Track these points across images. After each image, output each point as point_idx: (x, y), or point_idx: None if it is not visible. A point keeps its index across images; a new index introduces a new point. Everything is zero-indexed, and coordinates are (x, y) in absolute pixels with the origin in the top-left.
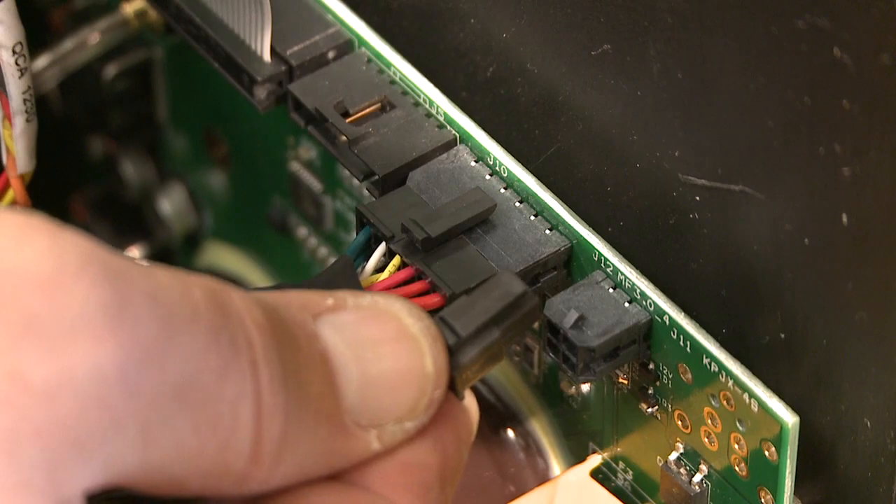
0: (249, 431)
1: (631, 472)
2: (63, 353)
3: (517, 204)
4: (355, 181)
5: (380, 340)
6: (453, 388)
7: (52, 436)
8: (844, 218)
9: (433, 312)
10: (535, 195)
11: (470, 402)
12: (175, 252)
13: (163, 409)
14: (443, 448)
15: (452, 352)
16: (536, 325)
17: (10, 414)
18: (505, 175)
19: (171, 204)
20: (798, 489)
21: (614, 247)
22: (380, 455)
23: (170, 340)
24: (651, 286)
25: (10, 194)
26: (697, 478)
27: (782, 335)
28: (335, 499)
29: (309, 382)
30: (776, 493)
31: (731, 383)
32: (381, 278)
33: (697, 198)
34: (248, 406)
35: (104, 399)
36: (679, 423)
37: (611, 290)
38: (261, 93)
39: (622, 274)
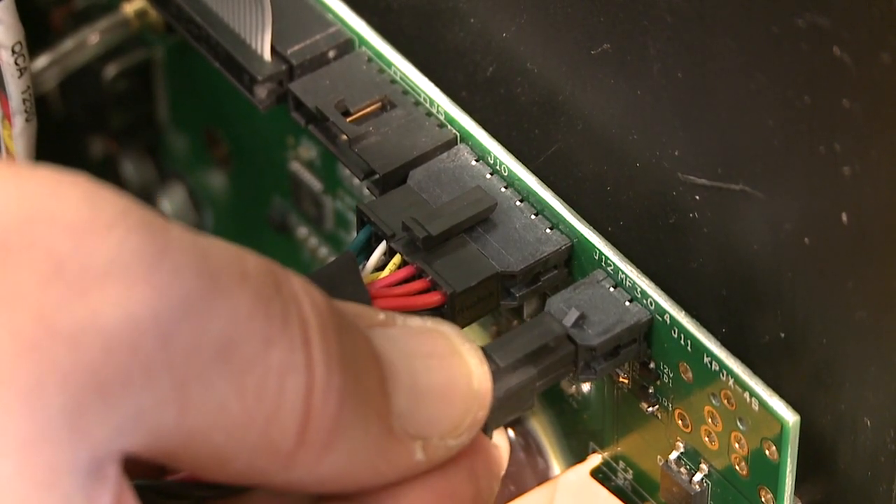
0: (298, 407)
1: (631, 472)
2: (92, 297)
3: (518, 203)
4: (356, 181)
5: (430, 354)
6: (484, 424)
7: (77, 382)
8: (844, 217)
9: (434, 311)
10: (535, 194)
11: (500, 439)
12: None
13: (201, 367)
14: (476, 480)
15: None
16: None
17: (35, 359)
18: (505, 174)
19: (171, 204)
20: (798, 488)
21: (614, 246)
22: (415, 483)
23: (211, 296)
24: (652, 285)
25: None
26: (698, 477)
27: (782, 334)
28: None
29: (364, 375)
30: (776, 492)
31: (731, 382)
32: (381, 276)
33: (697, 197)
34: (298, 380)
35: (134, 346)
36: (679, 422)
37: (611, 289)
38: (261, 92)
39: (623, 273)
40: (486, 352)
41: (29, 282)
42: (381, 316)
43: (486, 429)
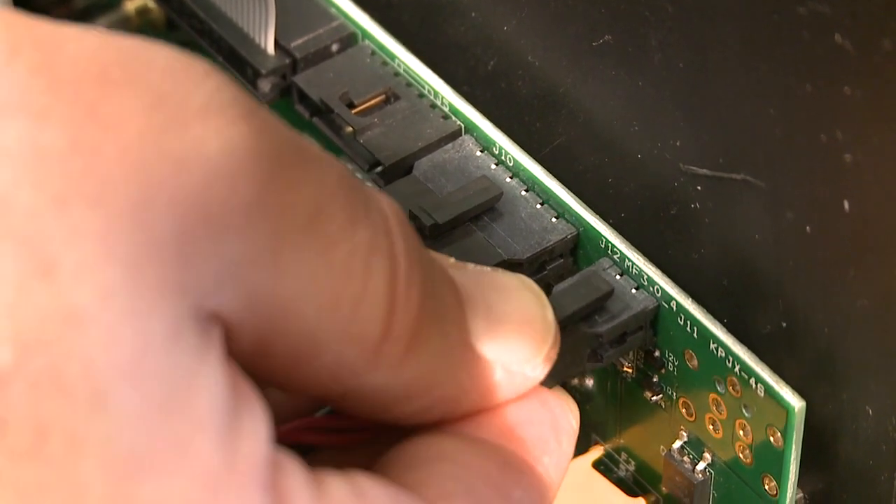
0: (383, 291)
1: (633, 463)
2: (193, 126)
3: (523, 192)
4: (359, 174)
5: (504, 287)
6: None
7: (184, 206)
8: (846, 205)
9: None
10: (541, 183)
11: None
12: None
13: (294, 230)
14: (551, 409)
15: None
16: None
17: (144, 175)
18: (511, 164)
19: None
20: (800, 478)
21: None
22: (490, 412)
23: (302, 160)
24: (658, 272)
25: None
26: (701, 466)
27: (784, 324)
28: (457, 445)
29: (441, 287)
30: (780, 479)
31: (737, 368)
32: None
33: (699, 187)
34: (383, 263)
35: (234, 181)
36: (683, 411)
37: (617, 277)
38: (265, 86)
39: (629, 260)
40: None
41: (132, 109)
42: (452, 260)
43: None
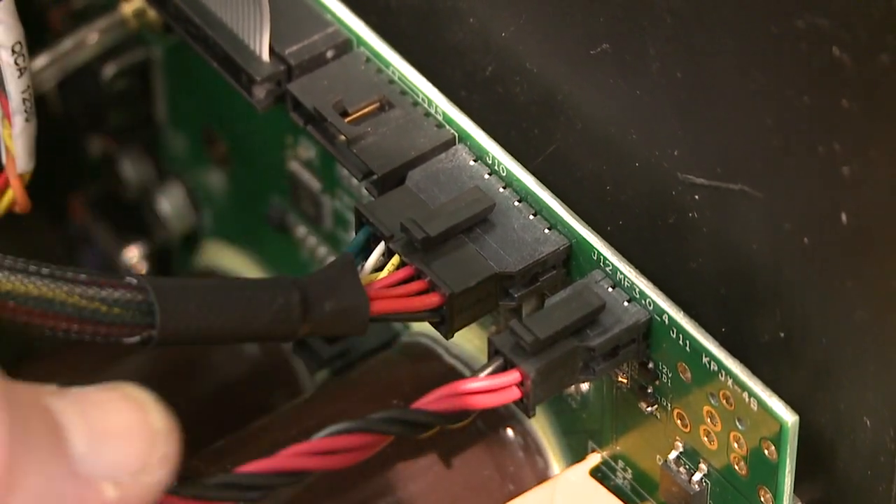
0: None
1: (630, 471)
2: None
3: (516, 203)
4: (354, 180)
5: (104, 401)
6: (526, 399)
7: None
8: (844, 217)
9: (432, 312)
10: (533, 194)
11: None
12: (174, 251)
13: None
14: None
15: (530, 354)
16: None
17: None
18: (504, 174)
19: (170, 203)
20: (797, 488)
21: (613, 246)
22: None
23: None
24: (650, 285)
25: (9, 194)
26: (697, 476)
27: (781, 334)
28: None
29: (30, 424)
30: (776, 492)
31: (730, 382)
32: (379, 277)
33: (696, 197)
34: None
35: None
36: (678, 421)
37: (610, 290)
38: (259, 92)
39: (621, 273)
40: (525, 324)
41: None
42: (53, 387)
43: (528, 408)
